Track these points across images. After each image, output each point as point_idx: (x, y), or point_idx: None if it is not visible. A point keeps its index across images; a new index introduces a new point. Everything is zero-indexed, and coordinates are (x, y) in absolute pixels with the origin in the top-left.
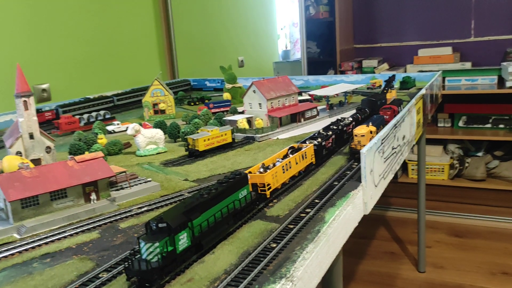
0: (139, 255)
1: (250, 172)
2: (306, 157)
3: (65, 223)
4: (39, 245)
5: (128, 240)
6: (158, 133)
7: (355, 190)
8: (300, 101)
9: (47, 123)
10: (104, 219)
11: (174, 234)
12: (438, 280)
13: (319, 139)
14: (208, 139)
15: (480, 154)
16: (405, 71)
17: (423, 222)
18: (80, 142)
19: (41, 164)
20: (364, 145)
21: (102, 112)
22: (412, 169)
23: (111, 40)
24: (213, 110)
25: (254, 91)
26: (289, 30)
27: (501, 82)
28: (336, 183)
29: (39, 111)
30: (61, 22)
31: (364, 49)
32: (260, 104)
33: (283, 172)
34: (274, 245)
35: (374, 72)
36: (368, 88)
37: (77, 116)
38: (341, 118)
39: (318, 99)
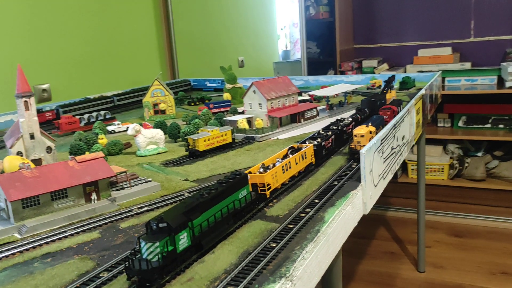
0: (139, 255)
1: (250, 172)
2: (306, 157)
3: (66, 223)
4: (40, 245)
5: (128, 240)
6: (159, 133)
7: (354, 190)
8: (300, 101)
9: (48, 123)
10: (104, 219)
11: (174, 234)
12: (438, 280)
13: (319, 139)
14: (208, 139)
15: (479, 154)
16: (405, 72)
17: (422, 222)
18: (80, 142)
19: (41, 164)
20: (363, 145)
21: (102, 112)
22: (412, 169)
23: (111, 40)
24: (213, 110)
25: (254, 92)
26: (289, 30)
27: (501, 82)
28: (335, 183)
29: (39, 111)
30: (61, 22)
31: (364, 49)
32: (260, 104)
33: (283, 172)
34: (274, 245)
35: (374, 73)
36: (368, 89)
37: (78, 116)
38: (341, 118)
39: (318, 99)
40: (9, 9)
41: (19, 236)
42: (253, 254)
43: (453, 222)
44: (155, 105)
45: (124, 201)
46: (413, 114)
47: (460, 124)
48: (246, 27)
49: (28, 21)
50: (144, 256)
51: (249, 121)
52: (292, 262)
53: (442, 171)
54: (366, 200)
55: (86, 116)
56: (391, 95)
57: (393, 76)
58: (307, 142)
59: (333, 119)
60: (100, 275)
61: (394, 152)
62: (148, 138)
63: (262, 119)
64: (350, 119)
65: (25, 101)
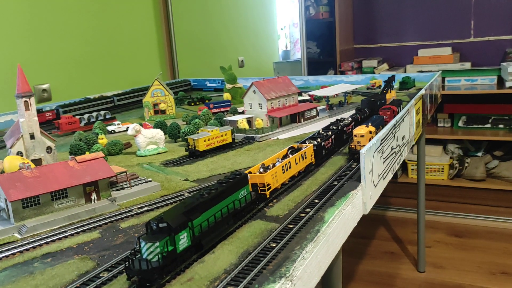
0: (139, 255)
1: (250, 172)
2: (305, 157)
3: (66, 223)
4: (40, 245)
5: (128, 240)
6: (159, 133)
7: (354, 190)
8: (300, 101)
9: (48, 123)
10: (104, 219)
11: (174, 234)
12: (438, 280)
13: (319, 139)
14: (208, 139)
15: (479, 154)
16: (405, 71)
17: (422, 222)
18: (80, 142)
19: (42, 164)
20: (363, 146)
21: (102, 112)
22: (412, 169)
23: (111, 40)
24: (213, 110)
25: (254, 92)
26: (289, 30)
27: (501, 82)
28: (335, 183)
29: (39, 111)
30: (61, 22)
31: (364, 49)
32: (260, 104)
33: (283, 172)
34: (274, 245)
35: (374, 73)
36: (367, 89)
37: (78, 116)
38: (341, 118)
39: (318, 99)
40: (9, 9)
41: (19, 236)
42: (253, 254)
43: (453, 222)
44: (155, 105)
45: (124, 201)
46: (413, 114)
47: (460, 124)
48: (246, 27)
49: (28, 21)
50: (144, 256)
51: (249, 121)
52: (292, 262)
53: (442, 171)
54: (366, 200)
55: (86, 116)
56: (391, 95)
57: (393, 76)
58: (307, 142)
59: (333, 119)
60: (100, 275)
61: (394, 152)
62: (148, 138)
63: (262, 119)
64: (350, 119)
65: (25, 101)
